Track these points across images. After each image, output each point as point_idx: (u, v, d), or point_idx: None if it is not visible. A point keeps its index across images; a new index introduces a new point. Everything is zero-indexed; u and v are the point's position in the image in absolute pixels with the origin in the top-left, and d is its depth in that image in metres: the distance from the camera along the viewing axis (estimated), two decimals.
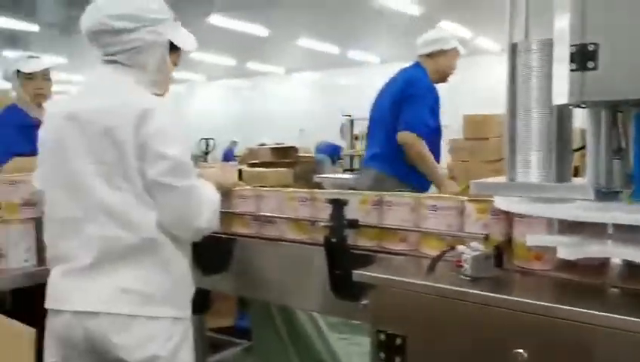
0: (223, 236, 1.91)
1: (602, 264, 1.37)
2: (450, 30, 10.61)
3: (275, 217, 1.87)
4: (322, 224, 1.65)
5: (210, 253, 1.85)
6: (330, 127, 11.47)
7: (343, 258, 1.59)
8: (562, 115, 1.32)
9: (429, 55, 3.29)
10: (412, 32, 11.48)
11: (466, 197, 1.53)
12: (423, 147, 3.02)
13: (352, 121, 8.77)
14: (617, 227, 1.26)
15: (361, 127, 9.15)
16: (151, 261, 1.48)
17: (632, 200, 1.23)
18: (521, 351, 1.13)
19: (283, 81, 16.44)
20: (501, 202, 1.38)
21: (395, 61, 16.23)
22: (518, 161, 1.36)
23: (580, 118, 1.38)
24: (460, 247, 1.34)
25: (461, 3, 8.85)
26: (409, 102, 3.06)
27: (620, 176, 1.24)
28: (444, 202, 1.55)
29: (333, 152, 10.38)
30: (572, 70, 1.09)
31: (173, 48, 1.60)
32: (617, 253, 1.23)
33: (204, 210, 1.50)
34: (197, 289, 1.63)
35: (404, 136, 3.02)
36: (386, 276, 1.35)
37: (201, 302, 1.91)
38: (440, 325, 1.27)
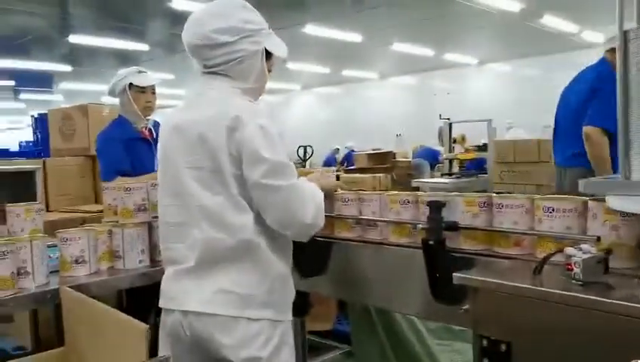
0: (320, 239, 1.94)
1: None
2: (553, 25, 10.13)
3: (377, 220, 1.86)
4: (421, 226, 1.62)
5: (308, 256, 1.88)
6: (427, 132, 11.28)
7: (441, 260, 1.56)
8: None
9: (611, 50, 3.19)
10: (511, 29, 11.09)
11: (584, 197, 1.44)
12: (602, 144, 2.93)
13: (450, 125, 8.54)
14: None
15: (459, 130, 8.92)
16: (248, 263, 1.52)
17: None
18: None
19: (378, 87, 16.41)
20: (615, 202, 1.28)
21: (493, 62, 15.80)
22: (633, 157, 1.27)
23: None
24: (569, 250, 1.26)
25: None
26: (595, 97, 3.01)
27: None
28: (561, 203, 1.46)
29: (431, 156, 10.18)
30: None
31: (268, 56, 1.64)
32: None
33: (308, 206, 1.52)
34: (296, 291, 1.66)
35: (587, 131, 2.97)
36: (487, 279, 1.30)
37: (301, 305, 1.95)
38: (548, 331, 1.20)
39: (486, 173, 7.67)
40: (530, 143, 7.02)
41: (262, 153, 1.46)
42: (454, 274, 1.34)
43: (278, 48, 1.65)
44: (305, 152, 10.55)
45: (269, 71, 1.66)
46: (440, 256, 1.56)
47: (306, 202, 1.52)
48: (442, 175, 8.42)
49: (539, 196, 1.58)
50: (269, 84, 1.69)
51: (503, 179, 7.06)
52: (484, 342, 1.29)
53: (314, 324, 2.76)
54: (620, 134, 1.28)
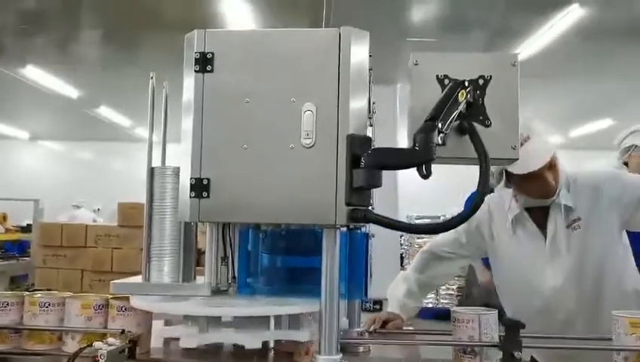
0: None
1: (219, 347, 1.70)
2: (108, 116, 10.73)
3: None
4: None
5: None
6: None
7: None
8: (188, 228, 1.64)
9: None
10: (69, 112, 11.12)
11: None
12: None
13: None
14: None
15: (2, 208, 8.27)
16: None
17: (236, 294, 1.60)
18: None
19: None
20: (136, 301, 1.59)
21: (47, 139, 15.26)
22: (152, 264, 1.62)
23: None
24: (97, 344, 1.48)
25: (118, 90, 8.95)
26: None
27: (226, 277, 1.60)
28: (83, 301, 1.68)
29: None
30: (191, 197, 1.41)
31: None
32: (225, 338, 1.56)
33: None
34: None
35: None
36: None
37: None
38: None
39: (28, 256, 7.33)
40: (79, 227, 7.10)
41: None
42: None
43: None
44: None
45: None
46: None
47: None
48: None
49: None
50: None
51: (47, 263, 6.86)
52: None
53: None
54: (143, 248, 1.62)
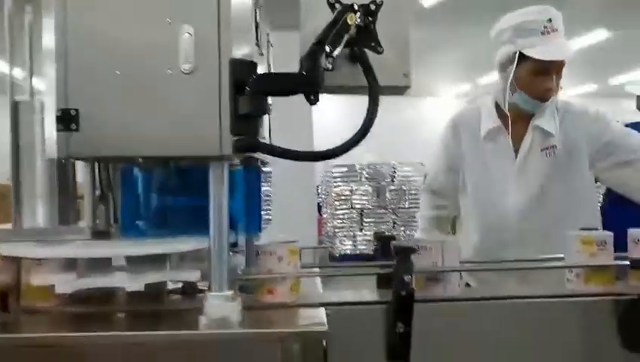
0: None
1: (110, 294, 1.59)
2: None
3: None
4: None
5: None
6: None
7: None
8: (63, 167, 1.50)
9: None
10: None
11: None
12: None
13: None
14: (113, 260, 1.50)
15: None
16: None
17: (120, 236, 1.50)
18: None
19: None
20: (6, 248, 1.45)
21: None
22: (24, 209, 1.48)
23: None
24: None
25: None
26: None
27: (105, 219, 1.49)
28: None
29: None
30: (58, 130, 1.27)
31: None
32: (104, 282, 1.45)
33: None
34: None
35: None
36: None
37: None
38: None
39: None
40: None
41: None
42: None
43: None
44: None
45: None
46: None
47: None
48: None
49: None
50: None
51: None
52: None
53: None
54: (12, 191, 1.46)
